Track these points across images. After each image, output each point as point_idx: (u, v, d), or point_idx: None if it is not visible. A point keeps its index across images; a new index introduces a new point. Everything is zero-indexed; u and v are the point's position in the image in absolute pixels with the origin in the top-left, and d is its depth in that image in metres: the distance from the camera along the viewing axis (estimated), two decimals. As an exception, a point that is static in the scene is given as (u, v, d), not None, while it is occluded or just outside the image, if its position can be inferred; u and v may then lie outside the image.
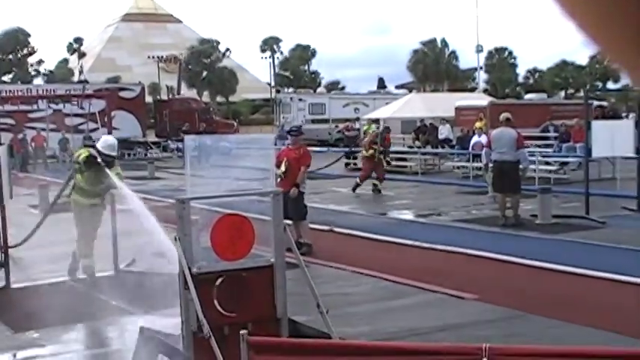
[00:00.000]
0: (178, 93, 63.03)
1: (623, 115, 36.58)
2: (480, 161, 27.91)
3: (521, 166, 16.70)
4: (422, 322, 8.94)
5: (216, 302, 6.07)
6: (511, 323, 8.80)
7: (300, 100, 54.21)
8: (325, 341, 5.58)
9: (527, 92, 61.34)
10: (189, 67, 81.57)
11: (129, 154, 43.95)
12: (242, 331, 4.83)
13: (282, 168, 13.40)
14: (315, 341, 5.43)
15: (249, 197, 7.41)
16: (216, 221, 6.24)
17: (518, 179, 16.53)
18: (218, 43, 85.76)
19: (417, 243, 14.02)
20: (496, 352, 4.72)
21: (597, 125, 18.46)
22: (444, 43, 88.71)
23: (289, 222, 12.44)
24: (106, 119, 39.13)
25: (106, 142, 11.68)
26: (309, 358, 4.82)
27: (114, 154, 11.63)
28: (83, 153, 11.49)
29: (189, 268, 5.99)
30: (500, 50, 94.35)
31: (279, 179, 13.03)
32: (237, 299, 6.17)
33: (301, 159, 13.85)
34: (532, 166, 23.41)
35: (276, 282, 6.56)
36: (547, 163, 26.09)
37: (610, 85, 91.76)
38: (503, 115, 17.14)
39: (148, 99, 59.18)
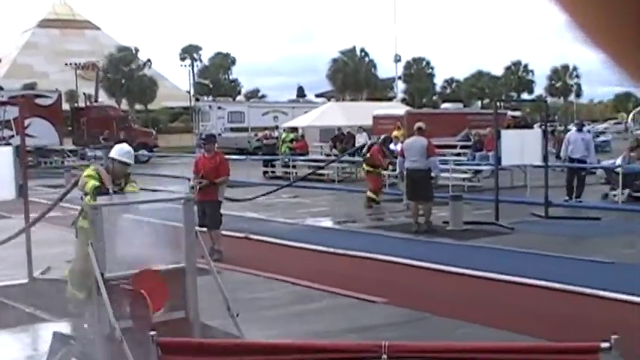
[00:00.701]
0: (96, 100, 62.21)
1: (536, 125, 37.47)
2: (396, 169, 28.47)
3: (432, 174, 17.12)
4: (331, 325, 9.19)
5: (127, 306, 6.22)
6: (418, 325, 9.12)
7: (220, 108, 54.21)
8: (230, 341, 5.78)
9: (444, 101, 62.29)
10: (108, 74, 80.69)
11: (45, 162, 43.39)
12: (151, 332, 4.99)
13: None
14: (222, 341, 5.63)
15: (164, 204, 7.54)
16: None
17: (430, 187, 16.98)
18: (137, 50, 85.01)
19: (330, 249, 14.30)
20: (395, 349, 4.97)
21: (507, 134, 18.99)
22: (363, 52, 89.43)
23: (204, 229, 12.65)
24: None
25: (122, 149, 10.13)
26: (215, 358, 5.02)
27: (131, 162, 10.23)
28: (90, 181, 9.75)
29: (102, 274, 6.13)
30: (418, 60, 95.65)
31: (198, 188, 13.49)
32: (148, 304, 6.31)
33: (219, 168, 13.90)
34: (446, 174, 23.97)
35: (187, 286, 6.73)
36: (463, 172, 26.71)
37: (524, 95, 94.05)
38: (416, 125, 17.58)
39: (66, 106, 58.33)
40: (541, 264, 12.89)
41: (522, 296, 10.64)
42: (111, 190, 9.47)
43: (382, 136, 24.93)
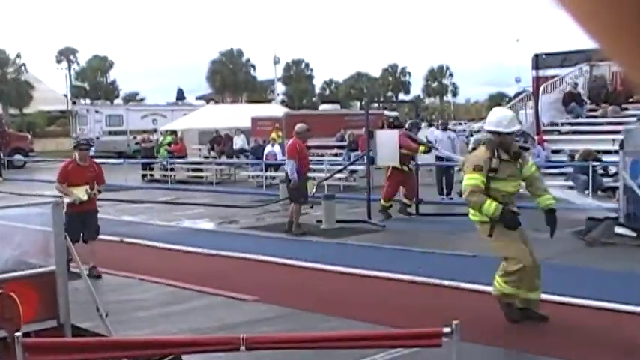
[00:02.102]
0: (-32, 105, 60.61)
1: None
2: (273, 171, 28.83)
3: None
4: (202, 323, 9.43)
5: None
6: (286, 320, 9.45)
7: (97, 111, 53.57)
8: (94, 339, 5.95)
9: (322, 103, 62.98)
10: (-19, 78, 78.56)
11: None
12: (17, 334, 5.14)
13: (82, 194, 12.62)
14: (86, 339, 5.81)
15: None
16: None
17: (293, 189, 17.04)
18: (19, 55, 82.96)
19: (204, 250, 14.52)
20: (252, 341, 5.26)
21: (380, 134, 19.47)
22: (242, 53, 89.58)
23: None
24: None
25: None
26: (79, 355, 5.21)
27: None
28: None
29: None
30: (297, 62, 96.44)
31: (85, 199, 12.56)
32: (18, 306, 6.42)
33: (99, 178, 12.97)
34: (322, 175, 24.45)
35: (57, 289, 6.86)
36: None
37: (402, 96, 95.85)
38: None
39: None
40: (409, 259, 13.43)
41: (388, 290, 11.09)
42: None
43: (408, 122, 22.07)
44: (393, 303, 10.30)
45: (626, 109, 25.25)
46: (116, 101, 72.94)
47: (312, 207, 18.81)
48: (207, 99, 76.81)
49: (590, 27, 0.81)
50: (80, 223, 12.44)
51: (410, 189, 19.08)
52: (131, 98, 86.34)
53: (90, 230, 12.80)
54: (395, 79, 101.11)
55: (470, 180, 9.05)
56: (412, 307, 9.88)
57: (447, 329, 5.34)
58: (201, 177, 32.44)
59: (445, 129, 24.04)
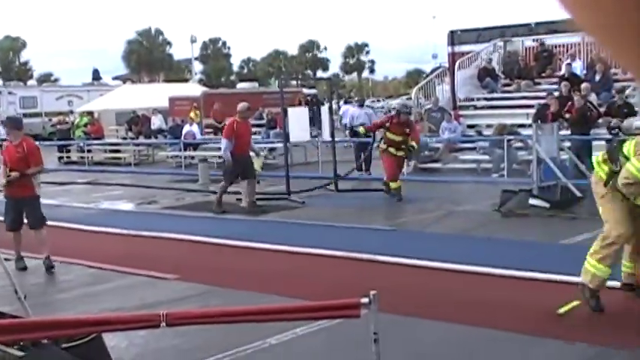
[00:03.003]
0: None
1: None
2: (192, 150, 28.73)
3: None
4: (124, 302, 9.41)
5: None
6: (208, 297, 9.48)
7: (10, 93, 52.42)
8: (11, 320, 5.92)
9: (240, 81, 62.80)
10: None
11: None
12: None
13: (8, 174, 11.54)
14: (2, 321, 5.77)
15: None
16: None
17: (230, 168, 16.76)
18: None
19: (124, 231, 14.44)
20: (173, 317, 5.30)
21: (294, 112, 19.59)
22: (160, 33, 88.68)
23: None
24: None
25: None
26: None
27: None
28: None
29: None
30: (214, 41, 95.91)
31: (6, 182, 11.56)
32: None
33: (29, 157, 11.67)
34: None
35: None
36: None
37: (320, 73, 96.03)
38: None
39: None
40: (329, 234, 13.57)
41: (309, 265, 11.21)
42: None
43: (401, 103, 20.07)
44: (313, 278, 10.43)
45: (539, 83, 25.78)
46: (29, 82, 71.55)
47: (258, 182, 18.88)
48: (123, 79, 75.79)
49: (590, 23, 0.81)
50: (15, 209, 11.74)
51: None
52: (45, 79, 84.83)
53: (31, 218, 11.80)
54: (313, 56, 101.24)
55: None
56: (333, 281, 10.01)
57: (364, 300, 5.46)
58: (119, 158, 32.17)
59: (361, 105, 24.24)
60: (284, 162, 19.11)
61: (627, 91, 21.42)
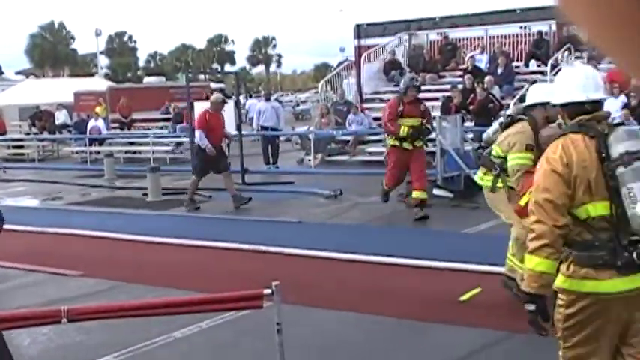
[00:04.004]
0: None
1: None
2: (97, 145, 28.36)
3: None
4: (27, 300, 9.22)
5: None
6: (113, 293, 9.40)
7: None
8: None
9: (147, 75, 62.19)
10: None
11: None
12: None
13: None
14: None
15: None
16: None
17: (203, 160, 16.10)
18: None
19: (28, 228, 14.16)
20: (75, 312, 5.27)
21: (199, 106, 19.47)
22: (62, 26, 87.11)
23: None
24: None
25: None
26: None
27: None
28: None
29: None
30: (120, 34, 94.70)
31: None
32: None
33: None
34: (147, 148, 24.28)
35: None
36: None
37: (227, 67, 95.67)
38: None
39: None
40: (236, 228, 13.58)
41: (215, 259, 11.23)
42: None
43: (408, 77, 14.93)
44: (219, 271, 10.45)
45: (444, 76, 26.19)
46: None
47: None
48: (27, 73, 74.33)
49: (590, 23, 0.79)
50: None
51: (416, 174, 13.67)
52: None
53: None
54: (221, 50, 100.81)
55: (520, 160, 7.77)
56: (238, 274, 10.03)
57: (267, 291, 5.51)
58: (23, 154, 31.55)
59: (268, 99, 24.30)
60: (190, 157, 19.03)
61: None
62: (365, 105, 25.56)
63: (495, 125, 8.91)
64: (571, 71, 5.10)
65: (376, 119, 24.66)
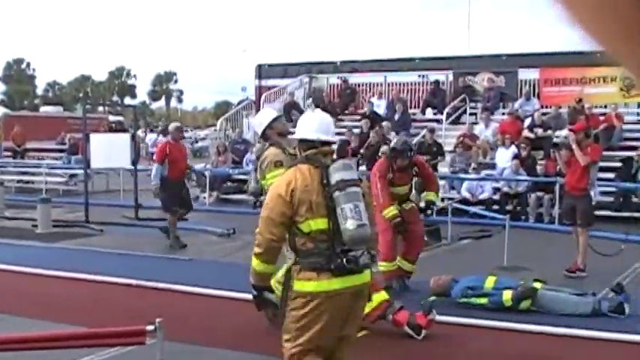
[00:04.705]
0: None
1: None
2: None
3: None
4: None
5: None
6: (-7, 325, 9.21)
7: None
8: None
9: (45, 104, 61.16)
10: None
11: None
12: None
13: None
14: None
15: None
16: None
17: (167, 196, 15.33)
18: None
19: None
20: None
21: (95, 138, 19.32)
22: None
23: None
24: None
25: None
26: None
27: None
28: None
29: None
30: (18, 61, 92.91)
31: None
32: None
33: None
34: (40, 178, 23.84)
35: None
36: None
37: (127, 100, 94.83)
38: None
39: None
40: (126, 263, 13.42)
41: (103, 293, 11.08)
42: None
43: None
44: (106, 306, 10.32)
45: (342, 120, 26.52)
46: None
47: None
48: None
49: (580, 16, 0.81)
50: None
51: (410, 244, 11.24)
52: None
53: None
54: (121, 83, 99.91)
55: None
56: (126, 310, 9.94)
57: (150, 327, 5.51)
58: None
59: (165, 134, 24.21)
60: (84, 189, 18.80)
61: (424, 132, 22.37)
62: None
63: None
64: (312, 115, 6.03)
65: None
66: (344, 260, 5.29)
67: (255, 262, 5.55)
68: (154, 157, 15.88)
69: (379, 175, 10.98)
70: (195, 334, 8.64)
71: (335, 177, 5.37)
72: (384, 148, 11.39)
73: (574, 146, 12.07)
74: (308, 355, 5.41)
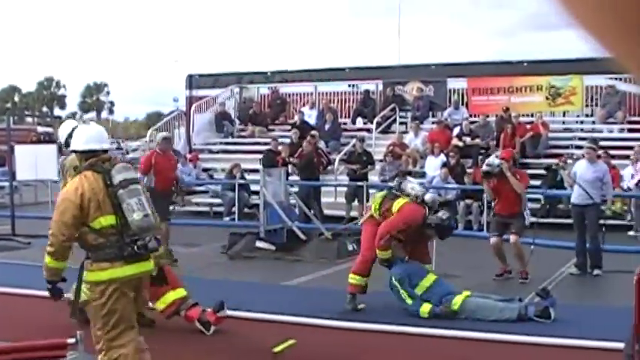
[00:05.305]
0: None
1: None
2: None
3: None
4: None
5: None
6: None
7: None
8: None
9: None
10: None
11: None
12: None
13: None
14: None
15: None
16: None
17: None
18: None
19: None
20: None
21: (20, 150, 19.02)
22: None
23: None
24: None
25: None
26: None
27: None
28: None
29: None
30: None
31: None
32: None
33: None
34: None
35: None
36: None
37: (57, 111, 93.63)
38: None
39: None
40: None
41: (25, 307, 10.88)
42: None
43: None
44: (31, 320, 10.11)
45: (273, 130, 26.54)
46: None
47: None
48: None
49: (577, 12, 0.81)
50: None
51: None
52: None
53: None
54: (51, 93, 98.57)
55: None
56: (50, 324, 9.75)
57: (71, 340, 5.45)
58: None
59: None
60: (10, 201, 18.48)
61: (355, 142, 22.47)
62: (197, 154, 25.52)
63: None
64: (85, 128, 6.73)
65: (205, 170, 24.71)
66: (135, 247, 6.06)
67: (48, 260, 6.31)
68: (138, 167, 15.30)
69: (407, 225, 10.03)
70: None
71: (117, 178, 6.12)
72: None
73: (508, 174, 12.34)
74: (122, 336, 6.01)
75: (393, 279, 9.88)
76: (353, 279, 10.15)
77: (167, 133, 16.56)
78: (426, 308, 9.65)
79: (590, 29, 0.80)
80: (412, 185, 10.60)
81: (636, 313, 5.68)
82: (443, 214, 10.31)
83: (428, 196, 10.62)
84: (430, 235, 10.38)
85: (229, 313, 9.89)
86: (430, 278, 10.03)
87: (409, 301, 9.76)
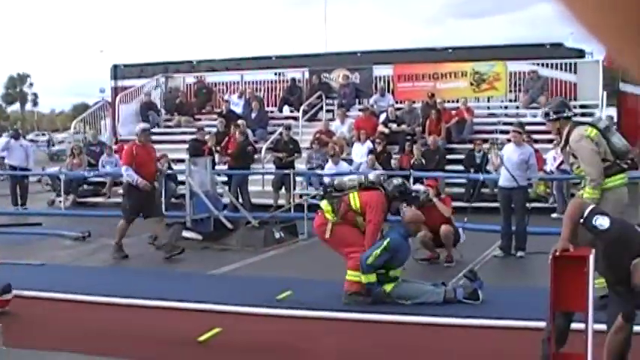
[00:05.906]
0: None
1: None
2: None
3: None
4: None
5: None
6: None
7: None
8: None
9: None
10: None
11: None
12: None
13: None
14: None
15: None
16: None
17: (133, 200, 14.10)
18: None
19: None
20: None
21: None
22: None
23: None
24: None
25: None
26: None
27: None
28: None
29: None
30: None
31: None
32: None
33: None
34: None
35: None
36: None
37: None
38: None
39: None
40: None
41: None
42: None
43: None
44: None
45: (199, 119, 26.39)
46: None
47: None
48: None
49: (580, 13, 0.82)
50: None
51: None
52: None
53: None
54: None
55: None
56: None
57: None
58: None
59: (17, 137, 23.44)
60: None
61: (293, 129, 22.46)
62: (122, 145, 25.24)
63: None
64: None
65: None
66: None
67: None
68: (122, 159, 14.82)
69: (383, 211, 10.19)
70: (42, 339, 8.37)
71: None
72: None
73: (435, 200, 12.72)
74: None
75: (377, 251, 9.67)
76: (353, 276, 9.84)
77: (146, 124, 16.13)
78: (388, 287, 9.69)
79: (591, 29, 0.81)
80: (348, 177, 10.66)
81: (551, 292, 5.79)
82: (395, 180, 10.50)
83: (371, 175, 10.73)
84: (397, 207, 10.49)
85: (153, 303, 9.84)
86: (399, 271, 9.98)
87: (389, 287, 9.69)
